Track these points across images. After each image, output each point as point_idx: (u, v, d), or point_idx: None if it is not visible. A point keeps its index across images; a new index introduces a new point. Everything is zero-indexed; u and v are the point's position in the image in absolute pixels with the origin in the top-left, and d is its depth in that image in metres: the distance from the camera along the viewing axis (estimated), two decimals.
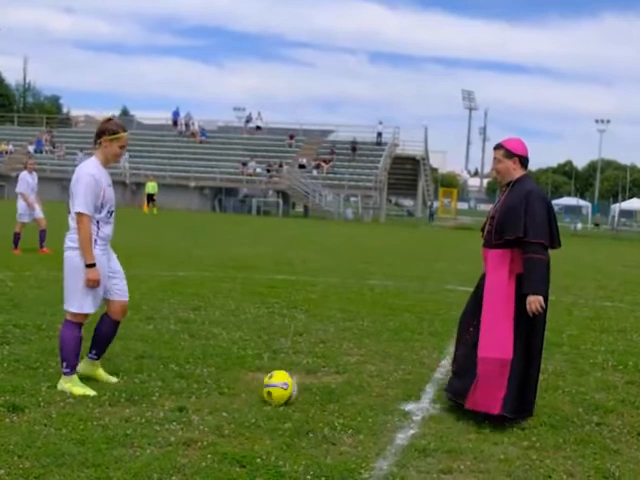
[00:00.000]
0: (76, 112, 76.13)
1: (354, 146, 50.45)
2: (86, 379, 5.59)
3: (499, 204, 5.50)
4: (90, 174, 5.33)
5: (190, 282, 11.45)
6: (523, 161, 5.49)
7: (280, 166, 48.08)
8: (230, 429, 4.77)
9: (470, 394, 5.28)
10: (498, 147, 5.53)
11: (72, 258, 5.37)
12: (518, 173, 5.48)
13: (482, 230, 5.67)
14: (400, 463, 4.39)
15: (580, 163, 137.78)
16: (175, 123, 54.10)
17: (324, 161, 49.33)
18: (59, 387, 5.41)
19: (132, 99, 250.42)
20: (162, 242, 19.40)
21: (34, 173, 15.28)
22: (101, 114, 64.44)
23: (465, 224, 48.82)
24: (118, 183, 44.14)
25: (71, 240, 5.40)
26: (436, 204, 56.67)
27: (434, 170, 79.77)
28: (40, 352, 6.40)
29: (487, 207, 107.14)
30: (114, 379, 5.69)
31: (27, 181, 14.97)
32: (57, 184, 43.90)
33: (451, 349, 7.55)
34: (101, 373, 5.75)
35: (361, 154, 50.84)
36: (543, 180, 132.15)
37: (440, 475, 4.25)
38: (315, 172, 48.56)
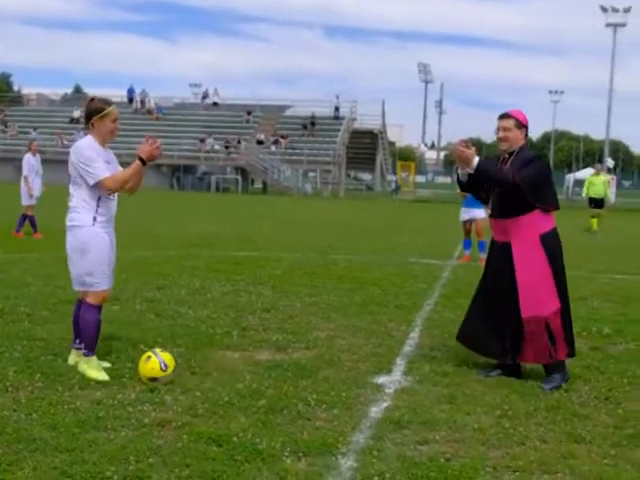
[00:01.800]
0: (28, 90, 74.50)
1: (312, 121, 50.30)
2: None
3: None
4: (89, 146, 5.26)
5: (153, 261, 11.34)
6: (527, 133, 5.83)
7: (238, 142, 47.80)
8: (204, 408, 4.73)
9: (525, 352, 5.64)
10: (507, 116, 5.75)
11: (76, 237, 5.29)
12: (521, 143, 5.75)
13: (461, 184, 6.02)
14: (376, 436, 4.40)
15: (534, 134, 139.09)
16: (130, 100, 53.39)
17: (282, 136, 49.15)
18: (78, 368, 5.36)
19: (85, 76, 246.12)
20: (122, 221, 19.05)
21: (37, 155, 15.00)
22: (54, 92, 63.47)
23: (424, 197, 49.14)
24: None
25: (71, 220, 5.33)
26: (395, 177, 56.66)
27: (391, 144, 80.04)
28: (5, 336, 6.28)
29: (445, 180, 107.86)
30: (106, 363, 5.56)
31: (31, 164, 14.72)
32: (10, 164, 43.03)
33: (419, 322, 7.65)
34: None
35: (319, 129, 50.76)
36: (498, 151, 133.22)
37: (416, 446, 4.27)
38: (273, 148, 48.39)
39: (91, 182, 5.20)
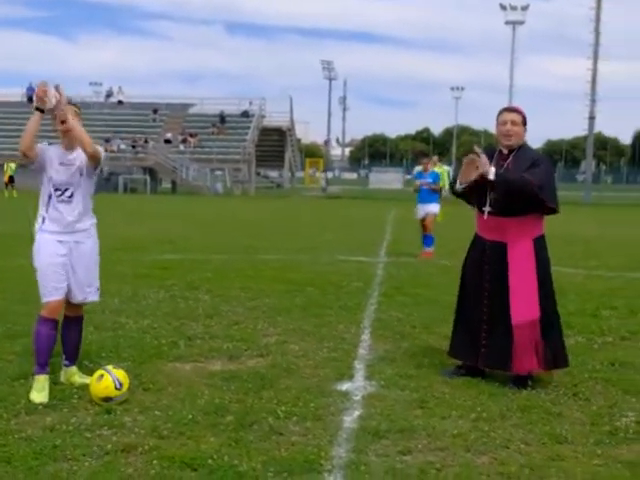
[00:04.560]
0: None
1: (222, 118, 49.71)
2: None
3: (504, 169, 5.45)
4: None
5: None
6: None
7: (145, 142, 46.72)
8: (168, 429, 4.40)
9: (514, 361, 5.38)
10: (516, 111, 5.61)
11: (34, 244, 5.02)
12: (523, 140, 5.60)
13: (467, 197, 5.68)
14: (357, 449, 4.18)
15: (437, 129, 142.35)
16: (30, 99, 51.27)
17: (191, 135, 48.35)
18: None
19: None
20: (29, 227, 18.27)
21: None
22: None
23: (335, 193, 49.25)
24: None
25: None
26: (299, 174, 56.50)
27: (297, 141, 79.96)
28: None
29: (351, 175, 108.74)
30: (88, 379, 5.13)
31: None
32: None
33: (367, 322, 7.48)
34: (77, 379, 5.28)
35: (228, 127, 50.17)
36: (402, 147, 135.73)
37: (401, 457, 4.08)
38: (182, 147, 47.54)
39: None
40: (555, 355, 5.48)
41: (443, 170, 22.39)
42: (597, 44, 49.01)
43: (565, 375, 5.68)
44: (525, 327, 5.36)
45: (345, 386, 5.36)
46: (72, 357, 5.33)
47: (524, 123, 5.57)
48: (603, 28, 49.39)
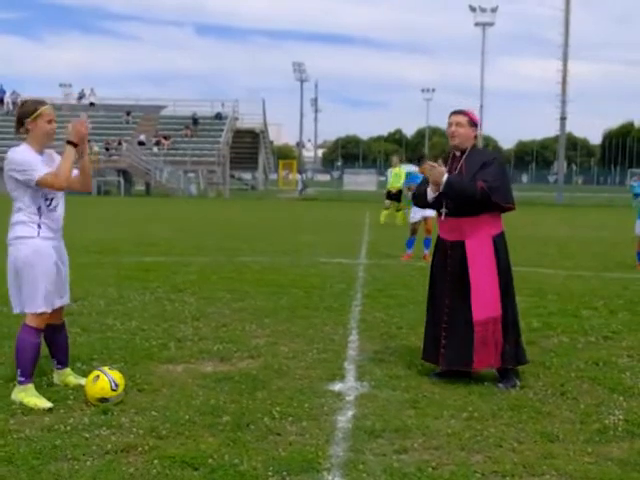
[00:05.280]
0: None
1: (195, 120, 49.58)
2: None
3: (457, 171, 5.62)
4: (22, 151, 4.83)
5: None
6: (477, 134, 5.81)
7: (119, 144, 46.46)
8: (166, 429, 4.45)
9: (474, 358, 5.50)
10: (461, 113, 5.69)
11: (14, 252, 4.86)
12: (472, 142, 5.70)
13: (420, 199, 5.89)
14: (354, 448, 4.25)
15: (409, 131, 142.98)
16: (1, 101, 50.86)
17: (164, 137, 48.17)
18: (12, 397, 4.90)
19: None
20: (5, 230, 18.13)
21: None
22: None
23: (310, 195, 49.28)
24: None
25: (12, 232, 4.89)
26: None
27: (270, 143, 79.94)
28: None
29: (324, 177, 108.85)
30: (82, 380, 5.15)
31: None
32: None
33: (353, 324, 7.55)
34: (72, 380, 5.27)
35: (201, 129, 50.06)
36: (375, 148, 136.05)
37: (398, 456, 4.16)
38: (156, 149, 47.33)
39: (32, 183, 4.77)
40: (516, 352, 5.62)
41: (401, 171, 22.37)
42: (566, 45, 49.54)
43: (552, 375, 5.80)
44: (486, 324, 5.48)
45: (337, 387, 5.43)
46: (65, 361, 5.34)
47: (470, 124, 5.66)
48: (572, 29, 49.95)
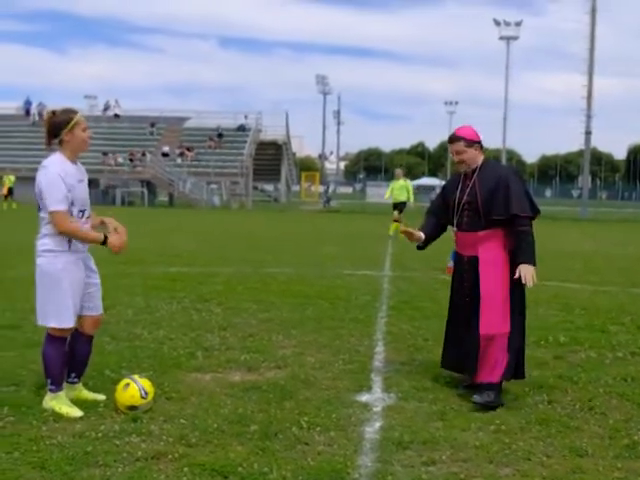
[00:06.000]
0: None
1: (220, 133, 49.87)
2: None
3: (470, 189, 5.58)
4: (54, 173, 4.75)
5: None
6: (481, 146, 5.66)
7: (143, 155, 46.82)
8: (195, 437, 4.49)
9: (478, 370, 5.43)
10: (456, 139, 5.61)
11: (43, 265, 4.83)
12: (480, 158, 5.64)
13: (439, 216, 5.97)
14: (382, 459, 4.27)
15: (431, 144, 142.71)
16: (28, 112, 51.49)
17: (188, 149, 48.48)
18: (44, 405, 4.94)
19: None
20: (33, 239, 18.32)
21: None
22: None
23: (333, 207, 49.35)
24: None
25: (42, 245, 4.86)
26: (295, 187, 56.42)
27: (293, 154, 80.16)
28: None
29: (346, 189, 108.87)
30: (102, 396, 5.16)
31: None
32: None
33: (379, 335, 7.57)
34: (86, 394, 5.22)
35: (225, 140, 50.34)
36: (397, 161, 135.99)
37: (426, 468, 4.17)
38: (179, 160, 47.64)
39: (47, 209, 4.76)
40: (516, 366, 5.55)
41: (408, 185, 22.50)
42: (592, 59, 49.35)
43: (580, 390, 5.77)
44: (493, 339, 5.39)
45: (364, 397, 5.45)
46: (81, 373, 5.26)
47: (470, 145, 5.57)
48: (597, 44, 49.74)
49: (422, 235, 5.89)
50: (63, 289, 4.83)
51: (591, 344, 7.36)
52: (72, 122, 4.85)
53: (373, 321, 8.32)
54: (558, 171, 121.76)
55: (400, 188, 22.31)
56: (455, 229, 5.80)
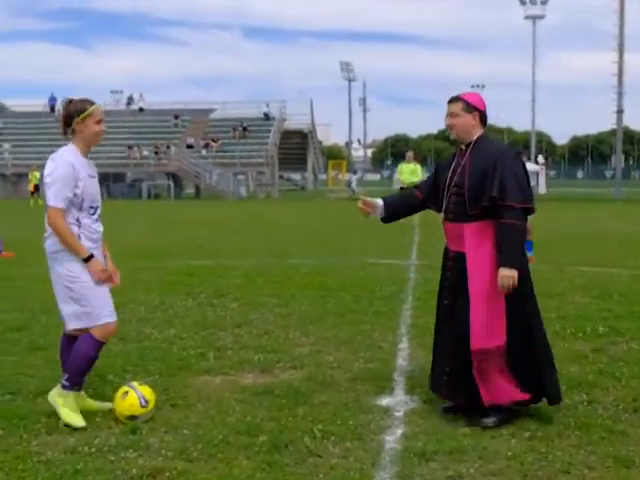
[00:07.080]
0: None
1: (243, 124, 49.54)
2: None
3: (461, 168, 4.72)
4: (67, 162, 4.51)
5: None
6: (483, 117, 4.75)
7: (168, 147, 46.66)
8: (197, 450, 4.09)
9: (482, 392, 4.55)
10: (455, 100, 4.73)
11: (61, 266, 4.55)
12: (477, 131, 4.74)
13: (433, 204, 5.03)
14: (402, 473, 3.83)
15: None
16: (52, 109, 51.55)
17: (213, 140, 48.22)
18: (49, 398, 4.63)
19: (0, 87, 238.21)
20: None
21: None
22: None
23: (359, 195, 48.81)
24: None
25: (49, 245, 4.60)
26: (322, 176, 55.88)
27: (319, 143, 79.67)
28: None
29: (374, 177, 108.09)
30: (108, 404, 4.77)
31: None
32: None
33: (404, 330, 7.13)
34: (91, 403, 4.84)
35: (250, 130, 50.00)
36: (425, 146, 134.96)
37: None
38: (204, 152, 47.43)
39: (48, 201, 4.51)
40: (539, 387, 4.65)
41: (418, 169, 21.94)
42: (622, 35, 48.02)
43: (623, 387, 5.28)
44: (487, 354, 4.49)
45: (385, 401, 5.02)
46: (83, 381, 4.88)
47: (468, 110, 4.68)
48: (627, 19, 48.32)
49: (379, 202, 5.06)
50: (89, 288, 4.56)
51: (633, 334, 6.83)
52: (86, 112, 4.62)
53: (397, 314, 7.86)
54: (590, 152, 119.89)
55: (411, 172, 21.76)
56: (442, 216, 4.89)
